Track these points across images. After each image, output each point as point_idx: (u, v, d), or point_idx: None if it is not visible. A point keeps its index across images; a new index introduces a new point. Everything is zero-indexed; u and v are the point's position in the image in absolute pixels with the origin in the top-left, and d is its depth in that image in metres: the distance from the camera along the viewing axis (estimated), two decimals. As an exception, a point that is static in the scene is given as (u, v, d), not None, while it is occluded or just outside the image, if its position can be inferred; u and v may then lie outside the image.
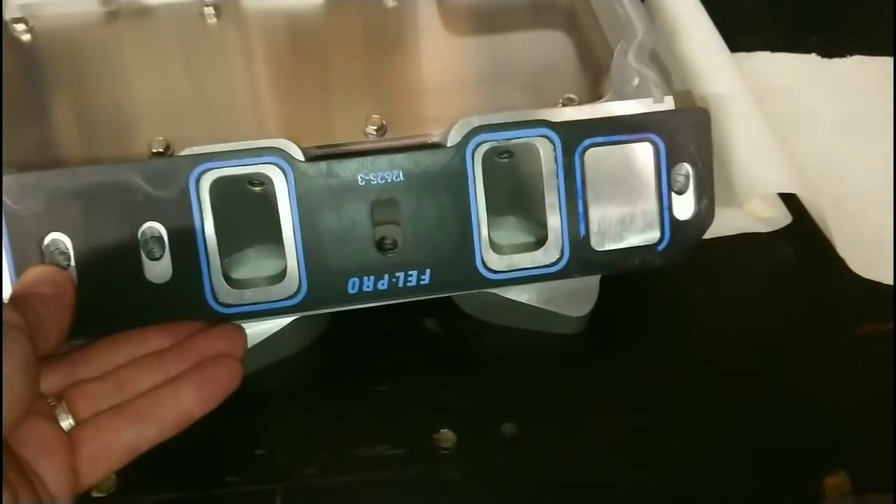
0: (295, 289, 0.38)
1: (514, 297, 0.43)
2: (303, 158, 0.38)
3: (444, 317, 0.47)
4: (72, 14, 0.49)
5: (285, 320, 0.41)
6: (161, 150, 0.40)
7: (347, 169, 0.38)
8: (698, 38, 0.56)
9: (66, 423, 0.33)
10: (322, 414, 0.43)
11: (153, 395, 0.34)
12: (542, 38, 0.50)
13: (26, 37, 0.48)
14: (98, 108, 0.44)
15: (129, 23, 0.49)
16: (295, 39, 0.49)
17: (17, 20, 0.47)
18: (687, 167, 0.40)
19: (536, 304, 0.43)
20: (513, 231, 0.43)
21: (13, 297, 0.34)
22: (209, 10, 0.49)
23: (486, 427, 0.42)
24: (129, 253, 0.37)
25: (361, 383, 0.44)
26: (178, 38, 0.48)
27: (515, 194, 0.42)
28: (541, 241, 0.40)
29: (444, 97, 0.46)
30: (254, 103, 0.46)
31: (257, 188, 0.39)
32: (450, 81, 0.47)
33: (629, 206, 0.40)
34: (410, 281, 0.39)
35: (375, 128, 0.41)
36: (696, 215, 0.41)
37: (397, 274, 0.39)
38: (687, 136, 0.40)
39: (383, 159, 0.38)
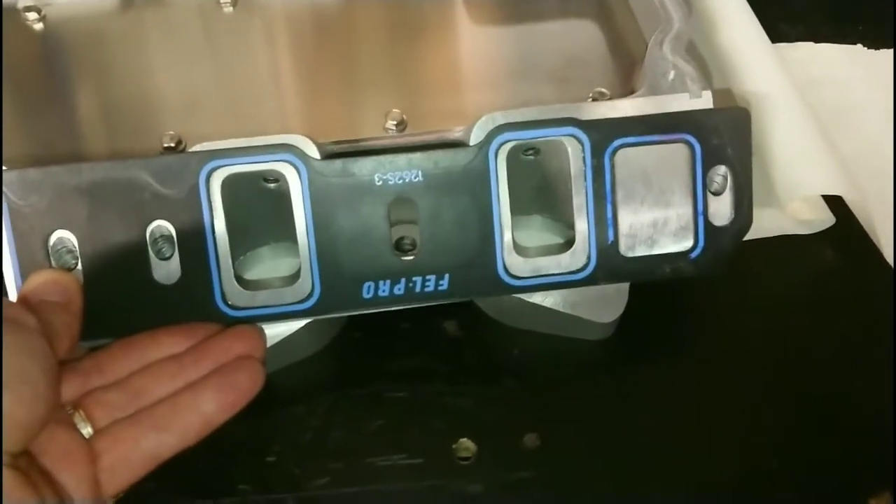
0: (308, 292, 0.37)
1: (538, 302, 0.41)
2: (318, 156, 0.36)
3: (465, 320, 0.45)
4: (85, 3, 0.47)
5: (299, 323, 0.40)
6: (172, 145, 0.39)
7: (364, 168, 0.36)
8: (738, 29, 0.53)
9: (86, 431, 0.32)
10: (336, 420, 0.41)
11: (172, 403, 0.33)
12: (571, 29, 0.47)
13: (38, 26, 0.46)
14: (109, 100, 0.43)
15: (142, 12, 0.48)
16: (313, 30, 0.47)
17: (29, 8, 0.46)
18: (724, 171, 0.38)
19: (562, 309, 0.41)
20: (539, 231, 0.41)
21: (21, 302, 0.33)
22: (225, 0, 0.47)
23: (508, 437, 0.40)
24: (136, 252, 0.36)
25: (377, 389, 0.42)
26: (193, 29, 0.47)
27: (542, 192, 0.40)
28: (569, 242, 0.38)
29: (468, 90, 0.44)
30: (271, 96, 0.44)
31: (273, 184, 0.38)
32: (474, 74, 0.45)
33: (661, 211, 0.38)
34: (428, 286, 0.38)
35: (395, 122, 0.39)
36: (733, 222, 0.38)
37: (414, 279, 0.37)
38: (725, 137, 0.38)
39: (401, 158, 0.36)
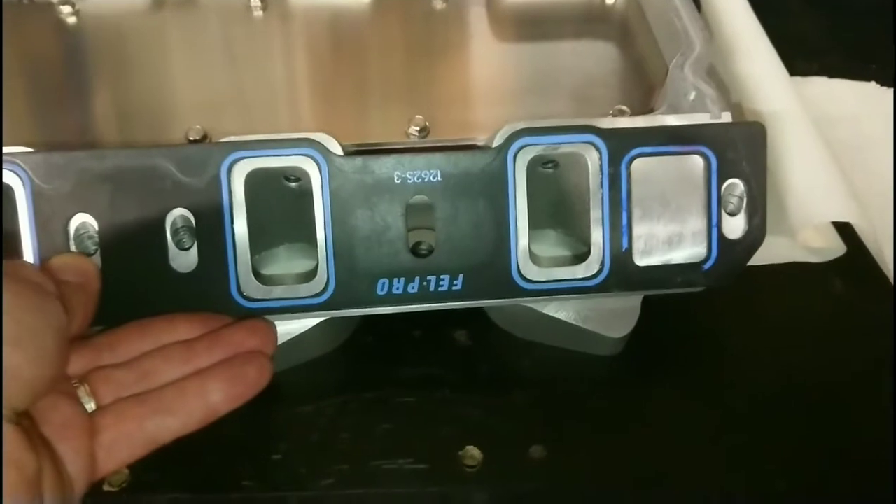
0: (322, 287, 0.37)
1: (551, 314, 0.41)
2: (340, 153, 0.37)
3: (476, 330, 0.45)
4: (118, 0, 0.48)
5: (312, 322, 0.40)
6: (198, 138, 0.39)
7: (384, 166, 0.37)
8: (756, 58, 0.54)
9: (89, 406, 0.32)
10: (343, 422, 0.41)
11: (179, 387, 0.33)
12: (593, 48, 0.48)
13: (72, 20, 0.47)
14: (139, 95, 0.43)
15: (174, 11, 0.49)
16: (340, 37, 0.48)
17: (64, 2, 0.47)
18: (739, 183, 0.38)
19: (574, 322, 0.41)
20: (551, 245, 0.41)
21: None
22: (255, 3, 0.48)
23: (514, 448, 0.40)
24: (155, 240, 0.36)
25: (386, 393, 0.42)
26: (223, 30, 0.48)
27: (557, 206, 0.40)
28: (579, 258, 0.39)
29: (491, 103, 0.44)
30: (296, 99, 0.45)
31: (293, 183, 0.38)
32: (497, 87, 0.46)
33: (675, 222, 0.38)
34: (442, 286, 0.38)
35: (418, 129, 0.40)
36: (746, 235, 0.39)
37: (429, 278, 0.38)
38: (741, 150, 0.38)
39: (421, 158, 0.37)
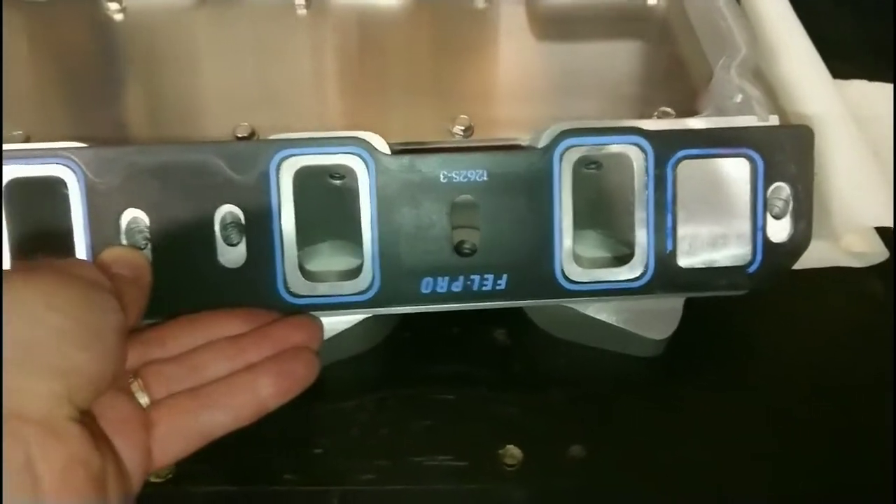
0: (367, 284, 0.37)
1: (592, 314, 0.41)
2: (388, 151, 0.37)
3: (514, 328, 0.45)
4: (163, -3, 0.49)
5: (354, 319, 0.40)
6: (246, 135, 0.40)
7: (430, 165, 0.37)
8: (798, 59, 0.54)
9: (143, 400, 0.32)
10: (383, 418, 0.41)
11: (230, 382, 0.33)
12: (634, 48, 0.48)
13: (119, 16, 0.48)
14: (185, 90, 0.44)
15: (217, 8, 0.49)
16: (382, 35, 0.48)
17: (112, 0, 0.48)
18: (785, 187, 0.38)
19: (615, 323, 0.41)
20: (592, 246, 0.41)
21: None
22: (299, 2, 0.49)
23: (554, 447, 0.40)
24: (204, 235, 0.36)
25: (425, 390, 0.42)
26: (267, 27, 0.48)
27: (599, 207, 0.40)
28: (619, 259, 0.39)
29: (532, 102, 0.45)
30: (338, 97, 0.45)
31: (338, 181, 0.38)
32: (537, 86, 0.46)
33: (720, 224, 0.38)
34: (486, 285, 0.38)
35: (463, 128, 0.40)
36: (792, 238, 0.39)
37: (473, 277, 0.38)
38: (788, 154, 0.38)
39: (467, 157, 0.37)
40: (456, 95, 0.44)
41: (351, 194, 0.37)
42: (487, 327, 0.45)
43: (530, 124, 0.39)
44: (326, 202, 0.39)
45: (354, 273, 0.38)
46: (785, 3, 0.58)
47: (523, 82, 0.46)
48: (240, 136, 0.40)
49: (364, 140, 0.37)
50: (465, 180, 0.37)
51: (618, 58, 0.47)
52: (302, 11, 0.49)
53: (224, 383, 0.33)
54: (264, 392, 0.33)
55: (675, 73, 0.46)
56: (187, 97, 0.44)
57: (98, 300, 0.29)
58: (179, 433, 0.32)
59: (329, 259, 0.40)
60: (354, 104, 0.45)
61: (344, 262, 0.39)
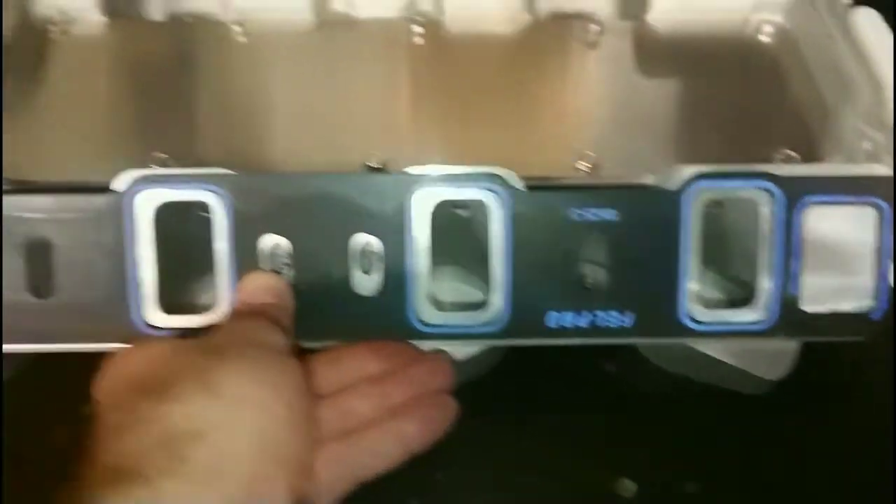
0: (496, 316, 0.38)
1: (707, 351, 0.42)
2: (522, 187, 0.37)
3: (624, 360, 0.45)
4: (285, 21, 0.50)
5: (476, 347, 0.41)
6: (378, 166, 0.41)
7: (564, 202, 0.38)
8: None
9: None
10: (492, 444, 0.42)
11: (381, 429, 0.34)
12: (746, 85, 0.48)
13: (242, 39, 0.49)
14: (304, 115, 0.45)
15: (334, 31, 0.50)
16: (498, 68, 0.49)
17: (236, 23, 0.49)
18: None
19: (730, 361, 0.42)
20: (707, 286, 0.42)
21: (242, 305, 0.35)
22: (417, 29, 0.49)
23: (668, 481, 0.41)
24: (340, 263, 0.37)
25: (535, 418, 0.43)
26: (385, 53, 0.49)
27: (716, 247, 0.41)
28: (734, 302, 0.39)
29: (652, 139, 0.45)
30: (460, 129, 0.46)
31: (462, 211, 0.39)
32: (651, 123, 0.47)
33: (845, 270, 0.39)
34: (612, 322, 0.38)
35: (589, 165, 0.41)
36: (917, 286, 0.39)
37: (599, 313, 0.38)
38: (918, 204, 0.38)
39: (600, 195, 0.38)
40: (574, 129, 0.45)
41: (474, 224, 0.38)
42: (597, 358, 0.46)
43: (652, 161, 0.40)
44: (449, 230, 0.39)
45: (482, 304, 0.38)
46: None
47: (636, 118, 0.47)
48: (371, 165, 0.41)
49: (500, 176, 0.37)
50: (597, 218, 0.38)
51: (730, 95, 0.48)
52: (418, 40, 0.49)
53: (376, 431, 0.34)
54: (410, 437, 0.34)
55: (790, 112, 0.46)
56: (312, 123, 0.45)
57: (289, 373, 0.31)
58: (337, 482, 0.33)
59: (450, 287, 0.41)
60: (473, 136, 0.45)
61: (460, 292, 0.40)
